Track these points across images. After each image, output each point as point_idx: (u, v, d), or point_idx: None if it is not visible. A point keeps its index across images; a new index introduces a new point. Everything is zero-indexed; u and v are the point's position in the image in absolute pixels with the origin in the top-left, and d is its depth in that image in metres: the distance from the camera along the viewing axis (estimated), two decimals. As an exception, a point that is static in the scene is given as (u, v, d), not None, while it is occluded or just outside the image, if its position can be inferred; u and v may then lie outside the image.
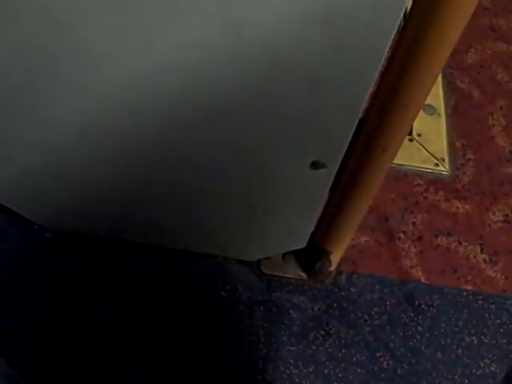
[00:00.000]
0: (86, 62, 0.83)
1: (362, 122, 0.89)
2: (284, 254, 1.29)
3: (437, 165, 1.50)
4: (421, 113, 1.56)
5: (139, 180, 1.08)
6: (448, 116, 1.59)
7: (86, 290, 1.24)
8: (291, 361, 1.20)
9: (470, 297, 1.31)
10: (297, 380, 1.18)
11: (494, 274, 1.35)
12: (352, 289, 1.29)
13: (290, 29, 0.74)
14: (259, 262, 1.29)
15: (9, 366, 0.86)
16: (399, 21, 0.71)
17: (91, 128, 0.96)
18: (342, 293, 1.28)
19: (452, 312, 1.29)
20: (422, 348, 1.24)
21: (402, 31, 0.75)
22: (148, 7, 0.74)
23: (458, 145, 1.55)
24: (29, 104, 0.93)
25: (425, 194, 1.46)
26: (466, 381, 1.21)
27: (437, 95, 1.62)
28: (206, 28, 0.75)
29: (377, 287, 1.30)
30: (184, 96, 0.87)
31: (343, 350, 1.22)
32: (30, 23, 0.78)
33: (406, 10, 0.70)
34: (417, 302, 1.29)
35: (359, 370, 1.20)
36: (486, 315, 1.29)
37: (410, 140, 1.52)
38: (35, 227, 1.28)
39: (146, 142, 0.98)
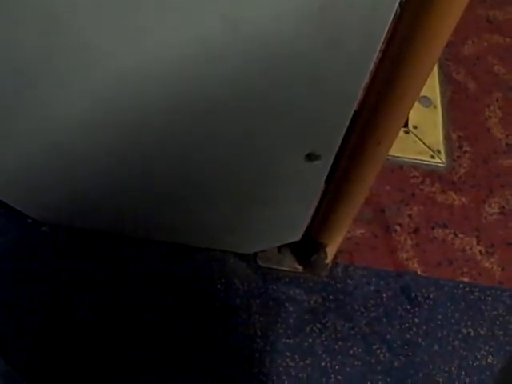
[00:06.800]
0: (85, 58, 0.83)
1: (356, 114, 0.89)
2: (280, 247, 1.29)
3: (433, 157, 1.49)
4: (417, 105, 1.58)
5: (138, 174, 1.08)
6: (444, 108, 1.59)
7: (84, 284, 1.23)
8: (288, 353, 1.20)
9: (467, 289, 1.31)
10: (293, 373, 1.18)
11: (490, 266, 1.35)
12: (348, 281, 1.29)
13: (286, 23, 0.74)
14: (255, 255, 1.29)
15: (9, 365, 0.85)
16: (394, 11, 0.71)
17: (90, 123, 0.96)
18: (338, 285, 1.28)
19: (448, 304, 1.29)
20: (419, 340, 1.24)
21: (397, 21, 0.75)
22: (147, 4, 0.74)
23: (454, 137, 1.55)
24: (27, 99, 0.93)
25: (421, 186, 1.45)
26: (463, 372, 1.22)
27: (433, 87, 1.62)
28: (203, 24, 0.75)
29: (373, 279, 1.30)
30: (182, 92, 0.87)
31: (340, 343, 1.22)
32: (30, 21, 0.78)
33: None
34: (413, 294, 1.29)
35: (356, 363, 1.20)
36: (483, 307, 1.29)
37: (406, 132, 1.52)
38: (29, 221, 1.28)
39: (144, 137, 0.98)
